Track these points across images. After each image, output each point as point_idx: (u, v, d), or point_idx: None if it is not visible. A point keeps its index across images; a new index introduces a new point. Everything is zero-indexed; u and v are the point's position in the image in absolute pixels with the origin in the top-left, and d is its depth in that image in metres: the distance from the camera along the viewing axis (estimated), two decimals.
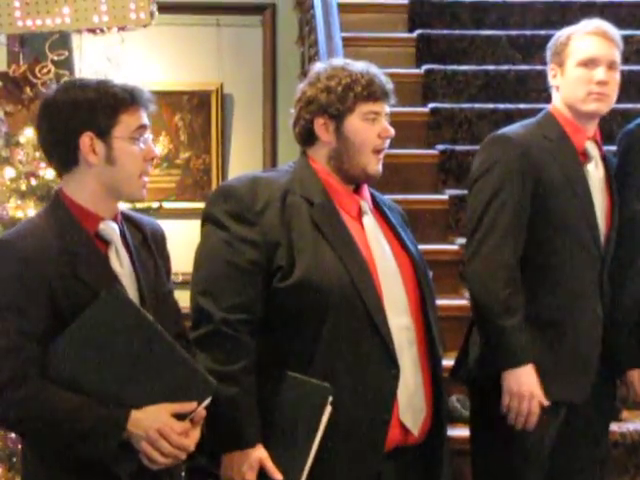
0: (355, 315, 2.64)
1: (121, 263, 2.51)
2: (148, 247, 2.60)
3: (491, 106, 5.34)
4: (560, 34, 3.22)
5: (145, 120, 2.52)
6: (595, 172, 3.17)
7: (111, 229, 2.51)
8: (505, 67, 5.61)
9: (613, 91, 3.15)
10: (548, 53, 3.24)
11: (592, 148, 3.19)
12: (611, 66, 3.13)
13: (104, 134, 2.47)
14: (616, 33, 3.20)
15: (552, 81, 3.22)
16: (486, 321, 3.03)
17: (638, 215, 3.19)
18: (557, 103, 3.21)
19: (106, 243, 2.50)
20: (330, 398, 2.58)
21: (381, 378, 2.64)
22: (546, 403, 3.00)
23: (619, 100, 5.46)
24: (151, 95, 2.54)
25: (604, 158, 3.23)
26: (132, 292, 2.50)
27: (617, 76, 3.16)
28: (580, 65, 3.13)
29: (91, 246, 2.47)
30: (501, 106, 5.27)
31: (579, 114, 3.15)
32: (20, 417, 2.36)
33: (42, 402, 2.34)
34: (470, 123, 5.25)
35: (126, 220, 2.59)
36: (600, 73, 3.11)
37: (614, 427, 3.80)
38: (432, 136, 5.29)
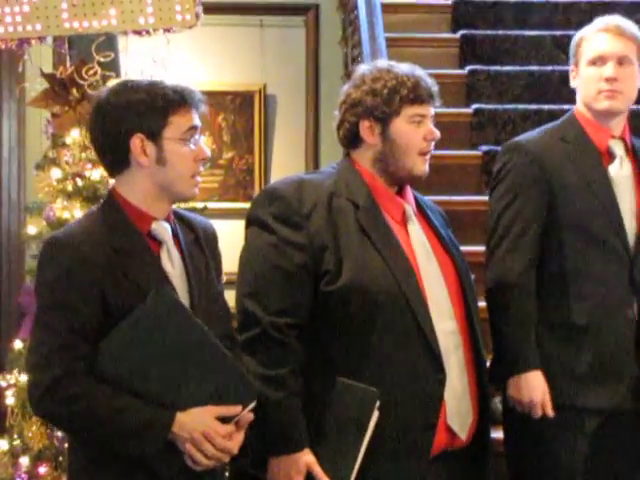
0: (402, 319, 2.65)
1: (172, 263, 2.51)
2: (200, 247, 2.60)
3: (535, 107, 5.31)
4: (576, 35, 3.21)
5: (196, 121, 2.52)
6: (620, 171, 3.12)
7: (163, 229, 2.52)
8: (549, 67, 5.58)
9: (627, 87, 3.10)
10: (570, 55, 3.23)
11: (617, 147, 3.14)
12: (621, 61, 3.09)
13: (155, 135, 2.48)
14: (630, 27, 3.15)
15: (572, 82, 3.21)
16: (493, 326, 3.05)
17: None
18: (578, 104, 3.20)
19: (158, 243, 2.51)
20: (377, 403, 2.58)
21: (428, 383, 2.65)
22: (550, 413, 2.99)
23: None
24: (202, 96, 2.55)
25: (635, 155, 3.16)
26: (182, 292, 2.50)
27: (632, 71, 3.11)
28: (590, 64, 3.12)
29: (143, 246, 2.49)
30: (545, 107, 5.23)
31: (596, 113, 3.13)
32: (68, 414, 2.37)
33: (89, 400, 2.35)
34: (514, 124, 5.21)
35: (179, 220, 2.60)
36: (608, 70, 3.08)
37: None
38: (475, 137, 5.27)
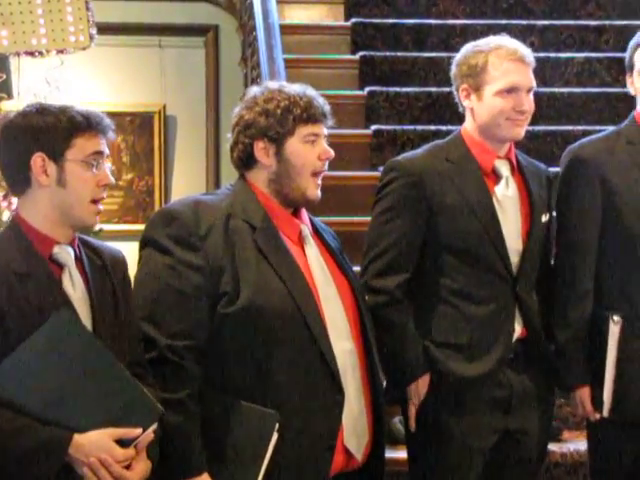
0: (300, 340, 2.64)
1: (74, 287, 2.49)
2: (107, 273, 2.58)
3: (433, 128, 5.37)
4: (475, 53, 3.16)
5: (102, 147, 2.52)
6: (506, 191, 3.14)
7: (66, 253, 2.50)
8: (447, 88, 5.62)
9: (530, 114, 3.13)
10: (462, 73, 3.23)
11: (503, 167, 3.16)
12: (529, 91, 3.11)
13: (57, 156, 2.47)
14: (529, 53, 3.15)
15: (465, 102, 3.19)
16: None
17: (575, 236, 3.21)
18: (468, 124, 3.20)
19: (60, 267, 2.49)
20: (276, 425, 2.57)
21: (326, 404, 2.64)
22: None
23: (559, 122, 5.60)
24: (110, 122, 2.55)
25: (521, 174, 3.19)
26: (85, 316, 2.48)
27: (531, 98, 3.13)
28: (500, 93, 3.09)
29: (44, 269, 2.46)
30: (443, 128, 5.28)
31: (494, 137, 3.13)
32: None
33: None
34: (413, 145, 5.25)
35: (85, 246, 2.58)
36: (523, 101, 3.08)
37: (554, 447, 3.83)
38: (375, 158, 5.31)
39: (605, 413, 3.18)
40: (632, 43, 3.28)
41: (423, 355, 3.06)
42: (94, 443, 2.35)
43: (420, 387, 3.08)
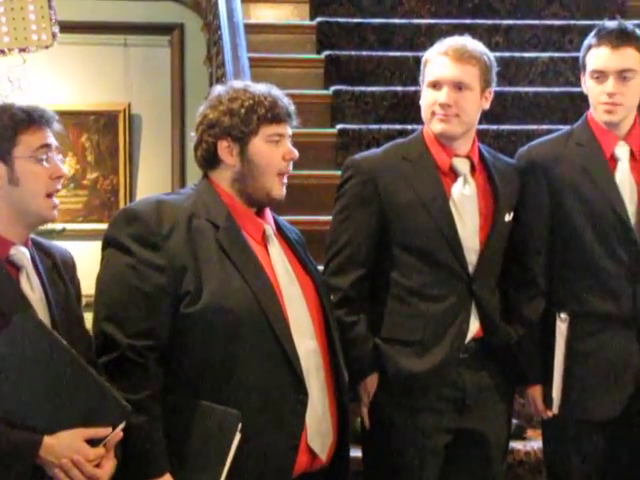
0: (264, 340, 2.63)
1: (32, 288, 2.48)
2: (58, 273, 2.57)
3: (399, 127, 5.37)
4: (425, 54, 3.21)
5: (49, 140, 2.50)
6: (463, 190, 3.14)
7: (22, 254, 2.49)
8: (412, 88, 5.65)
9: (463, 111, 3.10)
10: None
11: (461, 165, 3.16)
12: (457, 87, 3.10)
13: (4, 155, 2.46)
14: (474, 51, 3.14)
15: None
16: None
17: (527, 236, 3.22)
18: None
19: (17, 268, 2.48)
20: (239, 425, 2.56)
21: (289, 404, 2.63)
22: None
23: (524, 121, 5.62)
24: (53, 114, 2.53)
25: (487, 173, 3.20)
26: (44, 317, 2.46)
27: (469, 95, 3.11)
28: (429, 86, 3.14)
29: (1, 271, 2.44)
30: (409, 127, 5.28)
31: (436, 135, 3.15)
32: None
33: None
34: (378, 144, 5.21)
35: (36, 246, 2.57)
36: (442, 95, 3.10)
37: (518, 446, 3.85)
38: (340, 157, 5.29)
39: (555, 410, 3.21)
40: (585, 43, 3.30)
41: (372, 354, 3.08)
42: (65, 444, 2.34)
43: (368, 386, 3.10)
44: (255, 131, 2.73)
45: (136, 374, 2.57)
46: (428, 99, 3.14)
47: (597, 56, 3.24)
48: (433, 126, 3.13)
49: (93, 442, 2.38)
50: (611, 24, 3.29)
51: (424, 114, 3.17)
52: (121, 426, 2.43)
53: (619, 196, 3.23)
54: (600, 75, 3.23)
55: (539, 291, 3.23)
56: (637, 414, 3.21)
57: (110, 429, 2.40)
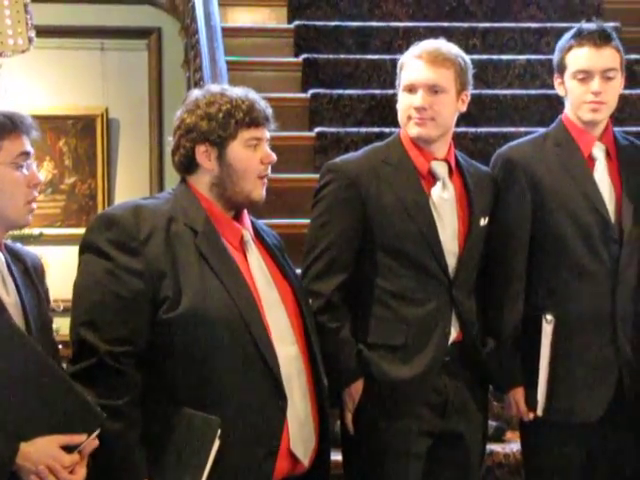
0: (243, 346, 2.62)
1: (7, 292, 2.47)
2: (30, 277, 2.57)
3: (377, 130, 5.38)
4: (401, 58, 3.21)
5: (27, 147, 2.50)
6: (442, 193, 3.14)
7: None
8: (390, 91, 5.64)
9: (438, 114, 3.10)
10: None
11: (439, 169, 3.16)
12: (432, 90, 3.09)
13: None
14: (449, 54, 3.14)
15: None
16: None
17: (506, 238, 3.23)
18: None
19: None
20: (218, 431, 2.55)
21: (269, 410, 2.62)
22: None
23: (502, 124, 5.64)
24: (33, 121, 2.53)
25: (462, 176, 3.20)
26: (19, 321, 2.45)
27: (444, 98, 3.11)
28: (404, 90, 3.14)
29: None
30: (387, 130, 5.29)
31: (412, 138, 3.15)
32: None
33: None
34: (356, 147, 5.22)
35: (8, 251, 2.56)
36: (417, 99, 3.10)
37: (498, 448, 3.86)
38: (319, 160, 5.29)
39: (539, 412, 3.21)
40: (562, 44, 3.31)
41: (357, 360, 3.08)
42: (41, 450, 2.33)
43: (354, 392, 3.09)
44: (233, 135, 2.72)
45: (114, 380, 2.55)
46: (404, 103, 3.14)
47: (581, 56, 3.25)
48: (409, 130, 3.13)
49: (68, 449, 2.38)
50: (590, 25, 3.31)
51: (400, 118, 3.17)
52: (96, 433, 2.42)
53: (599, 195, 3.25)
54: (585, 75, 3.24)
55: (518, 293, 3.24)
56: (618, 415, 3.22)
57: (86, 436, 2.40)
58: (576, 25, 3.38)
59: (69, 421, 2.38)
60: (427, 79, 3.10)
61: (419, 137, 3.13)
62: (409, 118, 3.12)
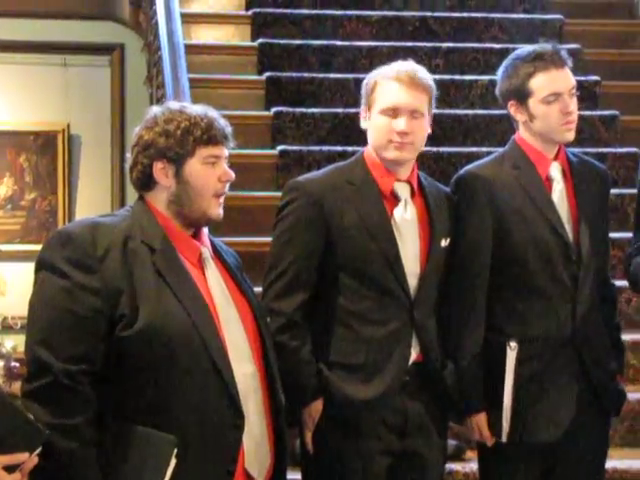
0: (200, 363, 2.60)
1: None
2: None
3: (339, 148, 5.39)
4: (370, 76, 3.19)
5: None
6: (404, 214, 3.14)
7: None
8: (353, 110, 5.65)
9: (417, 138, 3.11)
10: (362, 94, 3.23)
11: (402, 190, 3.16)
12: (413, 114, 3.09)
13: None
14: (424, 77, 3.14)
15: (363, 124, 3.20)
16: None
17: (467, 261, 3.23)
18: (369, 146, 3.20)
19: None
20: (175, 450, 2.53)
21: (225, 428, 2.60)
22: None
23: (464, 144, 5.66)
24: None
25: (424, 198, 3.19)
26: None
27: (422, 122, 3.12)
28: (382, 113, 3.11)
29: None
30: (349, 148, 5.30)
31: (384, 160, 3.14)
32: None
33: None
34: (319, 165, 5.23)
35: None
36: (400, 123, 3.08)
37: (457, 467, 3.87)
38: (281, 178, 5.29)
39: (504, 438, 3.21)
40: (517, 71, 3.28)
41: (317, 379, 3.07)
42: None
43: (313, 412, 3.08)
44: (191, 153, 2.70)
45: (70, 399, 2.52)
46: (383, 125, 3.11)
47: (550, 80, 3.25)
48: (387, 153, 3.11)
49: (10, 468, 2.34)
50: (545, 47, 3.31)
51: (377, 140, 3.13)
52: (37, 451, 2.38)
53: (558, 216, 3.25)
54: (557, 97, 3.25)
55: (479, 317, 3.23)
56: (578, 435, 3.23)
57: (27, 455, 2.35)
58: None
59: (10, 439, 2.34)
60: (409, 104, 3.09)
61: (397, 160, 3.12)
62: (390, 142, 3.11)
